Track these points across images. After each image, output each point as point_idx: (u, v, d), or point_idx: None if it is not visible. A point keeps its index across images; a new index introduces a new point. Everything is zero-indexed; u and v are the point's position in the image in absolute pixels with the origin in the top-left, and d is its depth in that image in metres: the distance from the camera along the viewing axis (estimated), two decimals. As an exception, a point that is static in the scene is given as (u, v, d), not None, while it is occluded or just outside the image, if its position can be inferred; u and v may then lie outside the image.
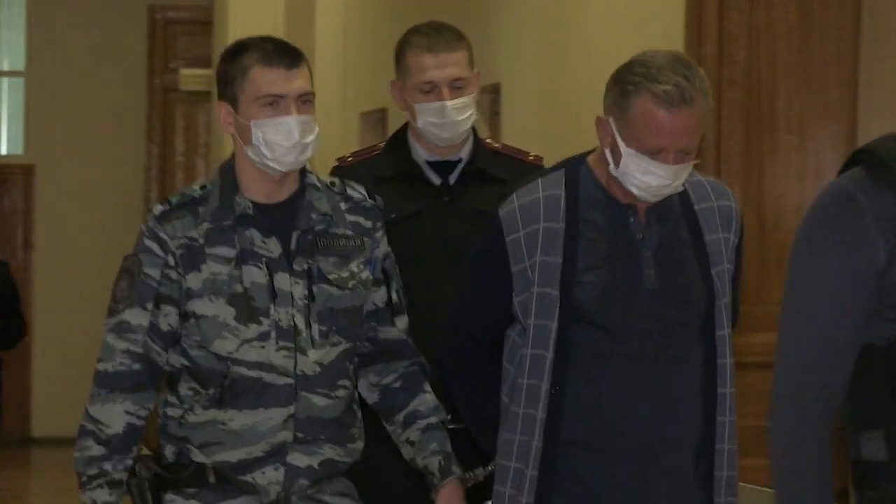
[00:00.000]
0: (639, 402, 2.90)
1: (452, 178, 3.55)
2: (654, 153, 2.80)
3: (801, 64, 5.89)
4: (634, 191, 2.87)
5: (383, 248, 3.05)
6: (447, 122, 3.46)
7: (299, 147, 2.88)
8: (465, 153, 3.56)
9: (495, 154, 3.63)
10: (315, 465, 2.95)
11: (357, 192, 3.05)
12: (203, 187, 2.97)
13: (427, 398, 3.08)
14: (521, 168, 3.54)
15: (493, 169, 3.57)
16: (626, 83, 2.83)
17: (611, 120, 2.86)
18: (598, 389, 2.92)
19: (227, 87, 2.92)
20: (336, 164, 3.61)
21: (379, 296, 3.04)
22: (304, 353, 2.92)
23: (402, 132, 3.60)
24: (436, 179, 3.54)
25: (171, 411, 2.95)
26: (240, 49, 2.93)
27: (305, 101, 2.91)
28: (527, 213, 2.94)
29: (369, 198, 3.04)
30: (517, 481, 2.93)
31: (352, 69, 9.88)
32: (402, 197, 3.48)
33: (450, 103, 3.45)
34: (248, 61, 2.89)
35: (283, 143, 2.86)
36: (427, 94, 3.45)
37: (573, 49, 5.94)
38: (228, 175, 2.96)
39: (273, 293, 2.90)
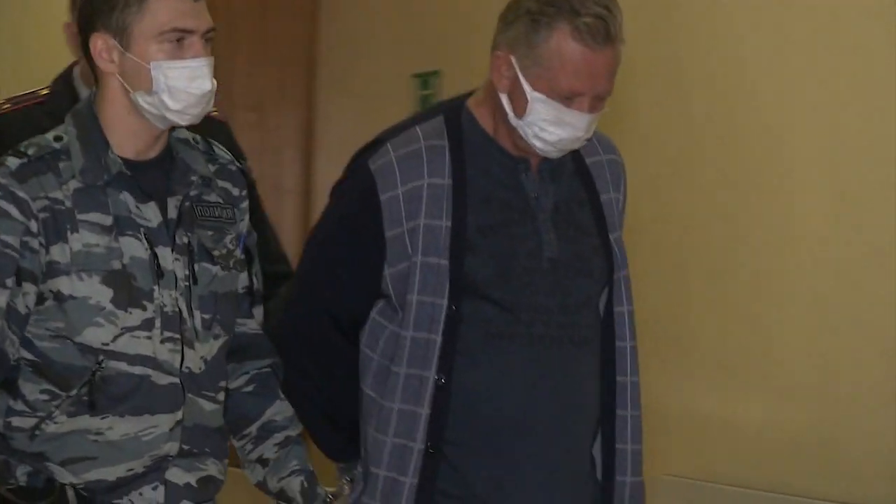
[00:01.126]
0: (540, 392, 2.49)
1: None
2: (568, 99, 2.41)
3: (259, 41, 5.98)
4: (537, 144, 2.45)
5: (247, 222, 2.54)
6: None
7: (207, 97, 2.35)
8: None
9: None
10: (193, 483, 2.41)
11: (222, 152, 2.55)
12: (59, 138, 2.37)
13: (283, 406, 2.57)
14: (208, 124, 3.01)
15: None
16: (536, 13, 2.39)
17: (513, 58, 2.43)
18: (492, 378, 2.48)
19: (111, 14, 2.33)
20: None
21: (240, 280, 2.51)
22: (190, 346, 2.39)
23: (70, 75, 3.13)
24: None
25: (17, 421, 2.34)
26: None
27: (209, 39, 2.37)
28: (407, 167, 2.48)
29: (237, 160, 2.56)
30: (389, 492, 2.48)
31: None
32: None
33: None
34: None
35: (194, 91, 2.33)
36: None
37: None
38: (89, 124, 2.38)
39: (158, 272, 2.36)
